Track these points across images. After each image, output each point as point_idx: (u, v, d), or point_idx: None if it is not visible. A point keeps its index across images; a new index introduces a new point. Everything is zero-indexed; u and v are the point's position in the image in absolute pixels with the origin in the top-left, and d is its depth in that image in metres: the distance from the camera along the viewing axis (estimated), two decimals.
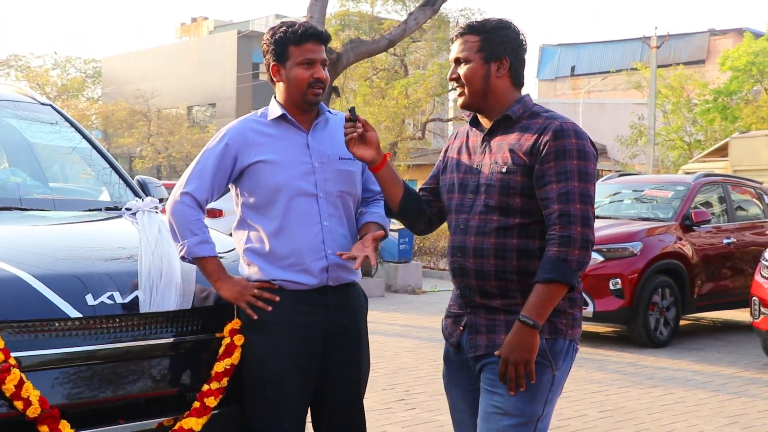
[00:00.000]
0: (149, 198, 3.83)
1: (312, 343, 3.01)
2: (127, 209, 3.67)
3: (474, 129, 2.88)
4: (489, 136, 2.80)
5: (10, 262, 2.82)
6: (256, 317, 2.97)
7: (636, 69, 32.42)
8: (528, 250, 2.69)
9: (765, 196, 10.57)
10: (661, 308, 8.62)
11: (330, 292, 3.04)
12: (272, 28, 3.09)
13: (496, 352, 2.65)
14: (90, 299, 2.80)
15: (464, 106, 2.82)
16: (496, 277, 2.70)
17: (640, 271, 8.45)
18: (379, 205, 3.18)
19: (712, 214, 9.65)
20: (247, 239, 3.06)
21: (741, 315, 10.61)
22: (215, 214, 13.77)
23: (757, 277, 7.85)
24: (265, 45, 3.09)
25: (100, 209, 3.89)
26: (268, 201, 3.00)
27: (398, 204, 2.91)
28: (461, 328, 2.81)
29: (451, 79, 2.82)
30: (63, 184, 4.38)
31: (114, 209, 3.87)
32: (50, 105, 4.44)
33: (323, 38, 3.04)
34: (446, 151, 2.95)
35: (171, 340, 2.98)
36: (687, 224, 9.04)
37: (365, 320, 3.19)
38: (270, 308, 2.96)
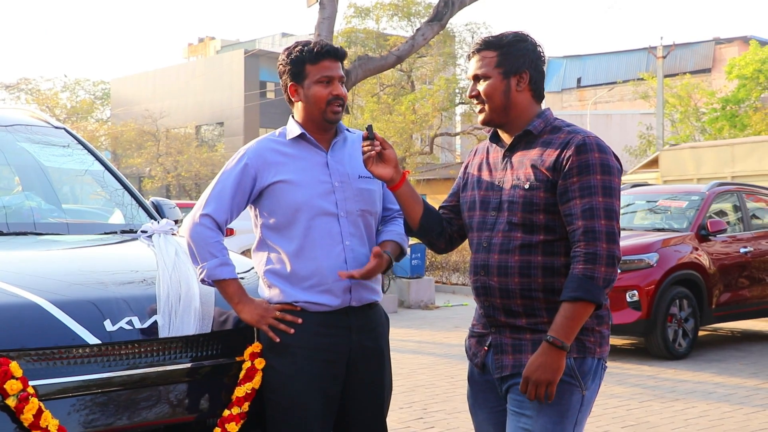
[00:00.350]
0: (165, 220, 3.78)
1: (335, 365, 2.94)
2: (142, 232, 3.62)
3: (494, 145, 2.82)
4: (510, 151, 2.74)
5: (26, 289, 2.77)
6: (278, 340, 2.91)
7: (642, 79, 32.36)
8: (553, 267, 2.62)
9: None
10: (679, 319, 8.51)
11: (352, 313, 2.97)
12: (287, 49, 3.04)
13: (524, 373, 2.57)
14: (108, 325, 2.74)
15: (485, 123, 2.76)
16: (521, 295, 2.63)
17: (657, 283, 8.36)
18: (398, 223, 3.12)
19: (728, 223, 9.55)
20: (267, 260, 3.00)
21: (760, 325, 10.51)
22: (227, 233, 13.74)
23: None
24: (281, 65, 3.04)
25: (116, 232, 3.84)
26: (288, 221, 2.94)
27: (418, 222, 2.85)
28: (486, 348, 2.74)
29: (471, 97, 2.76)
30: (77, 207, 4.33)
31: (129, 232, 3.82)
32: (64, 128, 4.41)
33: (340, 55, 2.99)
34: (466, 167, 2.89)
35: (191, 365, 2.92)
36: (703, 234, 8.94)
37: (387, 341, 3.12)
38: (292, 330, 2.90)
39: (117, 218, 4.07)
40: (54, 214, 4.06)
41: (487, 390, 2.78)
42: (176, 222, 4.07)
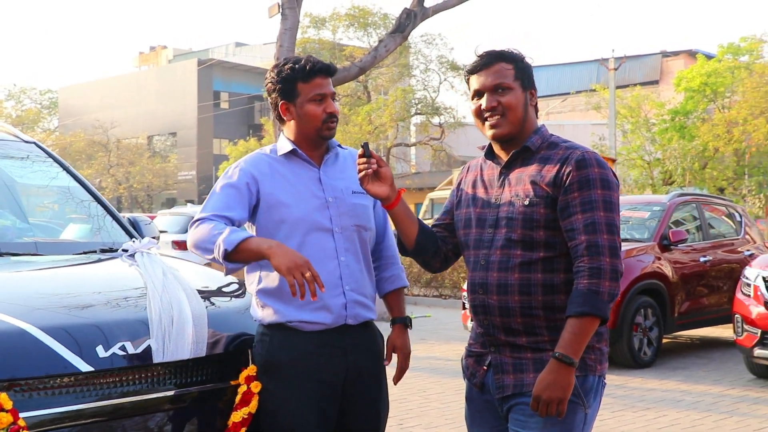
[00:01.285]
0: (147, 238, 3.67)
1: (331, 386, 2.86)
2: (123, 250, 3.51)
3: (489, 162, 2.77)
4: (507, 168, 2.69)
5: (12, 314, 2.63)
6: (300, 298, 2.60)
7: (594, 90, 32.75)
8: (553, 284, 2.58)
9: (736, 214, 10.64)
10: (644, 329, 8.58)
11: (348, 333, 2.90)
12: (276, 66, 2.97)
13: (534, 392, 2.51)
14: (101, 351, 2.62)
15: (500, 136, 2.66)
16: (522, 313, 2.59)
17: (622, 293, 8.40)
18: (396, 270, 3.13)
19: (687, 232, 9.67)
20: (259, 279, 2.91)
21: (717, 331, 10.64)
22: (182, 246, 13.51)
23: (739, 295, 7.84)
24: (269, 84, 2.95)
25: (95, 251, 3.69)
26: (282, 237, 2.85)
27: (414, 242, 2.79)
28: (485, 367, 2.69)
29: (489, 108, 2.64)
30: (52, 225, 4.17)
31: (109, 251, 3.68)
32: (34, 142, 4.25)
33: (331, 71, 2.93)
34: (459, 185, 2.84)
35: (186, 390, 2.80)
36: (665, 244, 9.03)
37: (382, 359, 3.05)
38: (315, 297, 2.62)
39: (95, 236, 3.93)
40: (28, 233, 3.90)
41: (486, 410, 2.72)
42: (154, 238, 3.96)
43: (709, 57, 32.66)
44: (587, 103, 33.88)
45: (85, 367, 2.57)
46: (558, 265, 2.58)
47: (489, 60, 2.67)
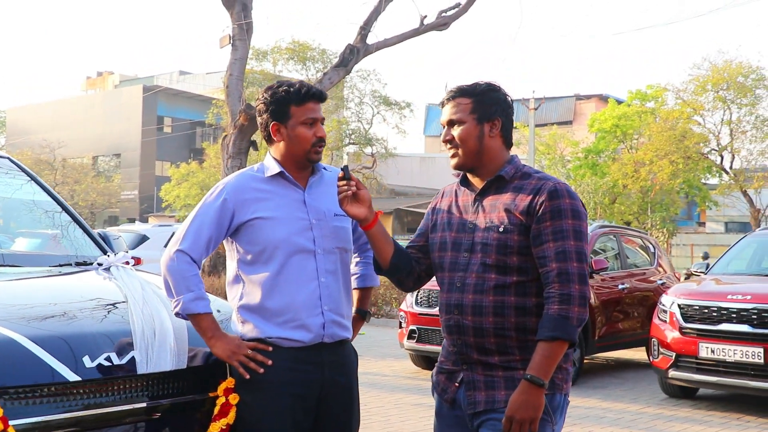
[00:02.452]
0: (121, 253, 3.55)
1: (306, 399, 2.80)
2: (98, 264, 3.39)
3: (464, 188, 2.76)
4: (481, 195, 2.69)
5: (0, 324, 2.50)
6: (248, 377, 2.74)
7: (515, 128, 33.40)
8: (525, 307, 2.58)
9: (650, 246, 10.89)
10: None
11: (325, 349, 2.84)
12: (270, 88, 2.91)
13: (507, 413, 2.50)
14: (87, 361, 2.50)
15: (458, 167, 2.71)
16: (495, 334, 2.58)
17: None
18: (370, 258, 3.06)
19: (607, 260, 9.85)
20: (241, 295, 2.83)
21: (629, 353, 10.84)
22: (135, 262, 13.21)
23: (656, 320, 8.00)
24: (262, 104, 2.90)
25: (70, 264, 3.55)
26: (265, 257, 2.79)
27: (389, 262, 2.76)
28: (457, 384, 2.66)
29: (445, 141, 2.70)
30: (25, 238, 4.00)
31: (83, 264, 3.55)
32: (8, 158, 4.09)
33: (323, 98, 2.89)
34: (434, 208, 2.82)
35: (167, 401, 2.69)
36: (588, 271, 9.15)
37: (357, 378, 3.00)
38: (262, 370, 2.74)
39: (67, 250, 3.78)
40: (5, 246, 3.74)
41: (456, 425, 2.69)
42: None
43: (619, 101, 33.65)
44: None
45: (72, 376, 2.45)
46: (530, 289, 2.58)
47: (451, 95, 2.70)
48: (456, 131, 2.66)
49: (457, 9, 14.46)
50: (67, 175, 42.48)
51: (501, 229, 2.58)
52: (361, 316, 3.14)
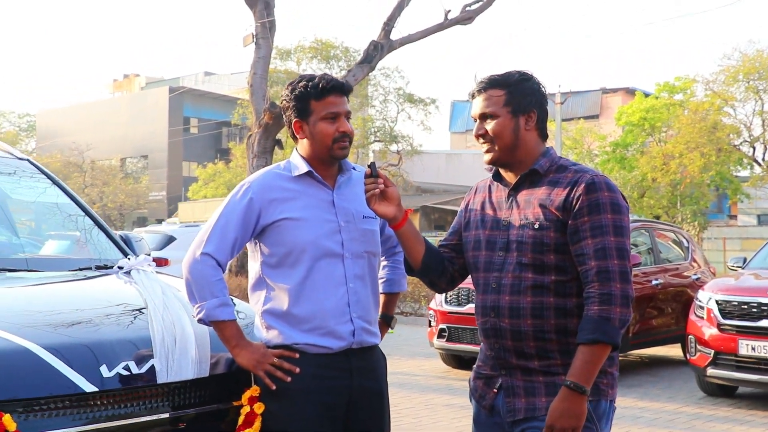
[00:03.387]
0: (142, 255, 3.44)
1: (335, 408, 2.65)
2: (119, 267, 3.28)
3: (497, 183, 2.60)
4: (515, 190, 2.53)
5: (13, 332, 2.39)
6: (274, 387, 2.61)
7: None
8: (565, 308, 2.42)
9: (683, 240, 10.64)
10: None
11: (353, 355, 2.70)
12: (291, 84, 2.75)
13: (547, 421, 2.34)
14: (104, 371, 2.38)
15: (493, 162, 2.55)
16: (534, 337, 2.42)
17: None
18: (399, 262, 2.90)
19: (640, 255, 9.62)
20: (265, 300, 2.70)
21: (664, 350, 10.60)
22: (161, 263, 13.17)
23: (692, 317, 7.78)
24: (284, 101, 2.75)
25: (90, 268, 3.44)
26: (291, 260, 2.65)
27: (420, 262, 2.61)
28: (495, 390, 2.51)
29: (478, 136, 2.54)
30: (46, 241, 3.90)
31: (104, 268, 3.43)
32: (28, 160, 4.00)
33: (345, 90, 2.73)
34: (467, 206, 2.67)
35: (189, 411, 2.56)
36: None
37: (386, 382, 2.86)
38: (289, 379, 2.60)
39: (88, 253, 3.67)
40: (22, 249, 3.64)
41: None
42: (148, 255, 3.72)
43: (646, 94, 33.19)
44: None
45: (89, 387, 2.33)
46: (570, 289, 2.42)
47: (482, 86, 2.53)
48: (489, 125, 2.50)
49: (481, 2, 14.26)
50: (95, 177, 42.83)
51: (536, 226, 2.43)
52: (386, 321, 3.00)
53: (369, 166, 2.55)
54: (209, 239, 2.65)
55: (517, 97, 2.50)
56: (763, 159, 28.86)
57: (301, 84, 2.71)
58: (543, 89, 2.57)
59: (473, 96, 2.57)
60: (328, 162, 2.74)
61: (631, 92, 41.21)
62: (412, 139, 35.64)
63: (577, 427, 2.31)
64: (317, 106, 2.68)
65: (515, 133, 2.50)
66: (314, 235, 2.65)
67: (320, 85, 2.68)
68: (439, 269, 2.63)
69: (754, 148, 29.08)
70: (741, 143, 28.95)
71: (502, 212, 2.53)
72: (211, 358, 2.67)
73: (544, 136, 2.57)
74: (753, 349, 7.06)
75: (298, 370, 2.61)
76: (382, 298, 2.96)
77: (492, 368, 2.53)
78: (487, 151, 2.53)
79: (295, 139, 2.78)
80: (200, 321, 2.62)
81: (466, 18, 14.09)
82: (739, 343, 7.14)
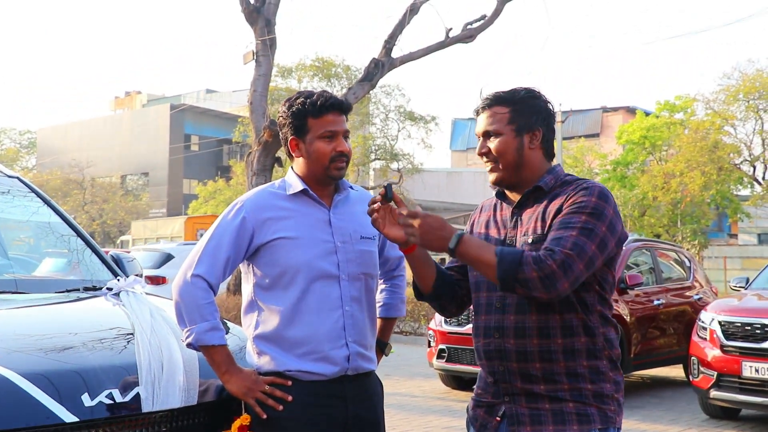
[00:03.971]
0: (132, 276, 3.34)
1: None
2: (108, 289, 3.17)
3: (501, 202, 2.50)
4: (519, 209, 2.42)
5: None
6: (264, 416, 2.50)
7: None
8: (571, 326, 2.29)
9: (685, 260, 10.53)
10: None
11: (348, 382, 2.59)
12: (288, 100, 2.65)
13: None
14: (86, 400, 2.27)
15: (497, 182, 2.44)
16: (541, 357, 2.30)
17: None
18: (399, 287, 2.85)
19: (642, 275, 9.51)
20: (257, 324, 2.59)
21: (666, 371, 10.46)
22: (158, 281, 13.05)
23: (695, 338, 7.66)
24: (281, 118, 2.66)
25: (78, 289, 3.33)
26: (285, 281, 2.55)
27: (431, 287, 2.48)
28: (498, 418, 2.39)
29: (481, 154, 2.43)
30: (33, 261, 3.80)
31: (92, 289, 3.33)
32: (17, 177, 3.90)
33: (344, 108, 2.63)
34: (472, 225, 2.56)
35: None
36: (622, 287, 8.83)
37: (383, 409, 2.74)
38: (281, 407, 2.49)
39: (77, 274, 3.57)
40: (9, 270, 3.53)
41: None
42: (138, 276, 3.62)
43: (646, 113, 33.20)
44: None
45: (69, 417, 2.22)
46: (574, 306, 2.30)
47: (486, 103, 2.43)
48: (493, 143, 2.40)
49: (482, 21, 14.22)
50: (95, 194, 42.80)
51: (530, 240, 2.32)
52: (380, 348, 2.88)
53: (384, 188, 2.43)
54: (200, 261, 2.54)
55: (523, 115, 2.40)
56: (764, 178, 28.80)
57: (298, 101, 2.62)
58: (550, 107, 2.46)
59: (478, 113, 2.47)
60: (324, 181, 2.64)
61: (631, 111, 41.25)
62: (413, 157, 35.62)
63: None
64: (314, 124, 2.59)
65: (519, 151, 2.39)
66: (309, 255, 2.55)
67: (319, 103, 2.58)
68: (449, 294, 2.52)
69: (755, 168, 29.02)
70: (741, 162, 28.89)
71: (506, 230, 2.43)
72: (200, 384, 2.56)
73: (550, 155, 2.46)
74: (756, 371, 6.93)
75: (290, 398, 2.50)
76: (378, 322, 2.85)
77: (494, 395, 2.41)
78: (492, 171, 2.43)
79: (291, 156, 2.68)
80: (189, 346, 2.51)
81: (468, 36, 14.05)
82: (742, 365, 7.01)
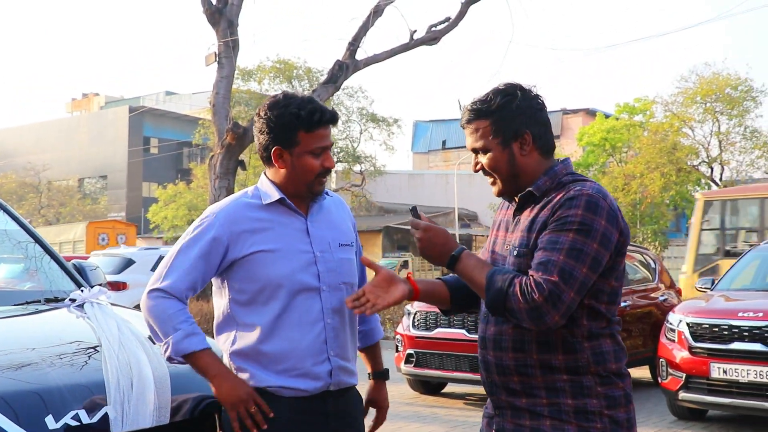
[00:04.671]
0: (96, 287, 3.18)
1: None
2: (71, 300, 3.01)
3: (508, 203, 2.40)
4: (518, 212, 2.32)
5: None
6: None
7: None
8: (548, 341, 2.18)
9: (651, 261, 10.58)
10: None
11: (330, 398, 2.47)
12: (276, 105, 2.45)
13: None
14: (50, 422, 2.13)
15: (500, 195, 2.36)
16: (518, 371, 2.21)
17: None
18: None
19: None
20: (234, 340, 2.44)
21: (632, 372, 10.47)
22: (119, 287, 12.78)
23: (663, 340, 7.66)
24: (262, 123, 2.46)
25: (39, 301, 3.17)
26: (265, 297, 2.41)
27: (449, 302, 2.43)
28: (494, 431, 2.31)
29: (475, 170, 2.34)
30: None
31: (54, 300, 3.16)
32: None
33: (335, 121, 2.49)
34: (494, 222, 2.46)
35: None
36: None
37: (363, 426, 2.63)
38: (265, 426, 2.35)
39: (37, 284, 3.40)
40: None
41: None
42: (101, 286, 3.45)
43: (606, 115, 33.55)
44: None
45: None
46: None
47: (468, 117, 2.31)
48: (483, 159, 2.29)
49: (447, 23, 14.18)
50: (52, 197, 42.02)
51: (515, 253, 2.23)
52: (382, 377, 2.81)
53: (411, 210, 2.34)
54: (166, 275, 2.39)
55: (505, 124, 2.26)
56: (721, 179, 29.24)
57: (290, 111, 2.43)
58: (532, 102, 2.30)
59: (463, 128, 2.37)
60: (304, 195, 2.51)
61: (591, 113, 41.69)
62: (375, 159, 35.58)
63: None
64: (306, 138, 2.43)
65: (510, 163, 2.28)
66: (290, 268, 2.42)
67: (314, 118, 2.42)
68: (470, 299, 2.43)
69: (712, 169, 29.46)
70: (699, 164, 29.30)
71: (508, 234, 2.34)
72: (172, 402, 2.43)
73: (547, 152, 2.31)
74: (724, 372, 6.95)
75: (272, 414, 2.37)
76: (364, 354, 2.77)
77: (491, 407, 2.35)
78: (492, 184, 2.35)
79: (267, 163, 2.53)
80: (170, 359, 2.36)
81: (432, 38, 14.00)
82: (710, 366, 7.02)
